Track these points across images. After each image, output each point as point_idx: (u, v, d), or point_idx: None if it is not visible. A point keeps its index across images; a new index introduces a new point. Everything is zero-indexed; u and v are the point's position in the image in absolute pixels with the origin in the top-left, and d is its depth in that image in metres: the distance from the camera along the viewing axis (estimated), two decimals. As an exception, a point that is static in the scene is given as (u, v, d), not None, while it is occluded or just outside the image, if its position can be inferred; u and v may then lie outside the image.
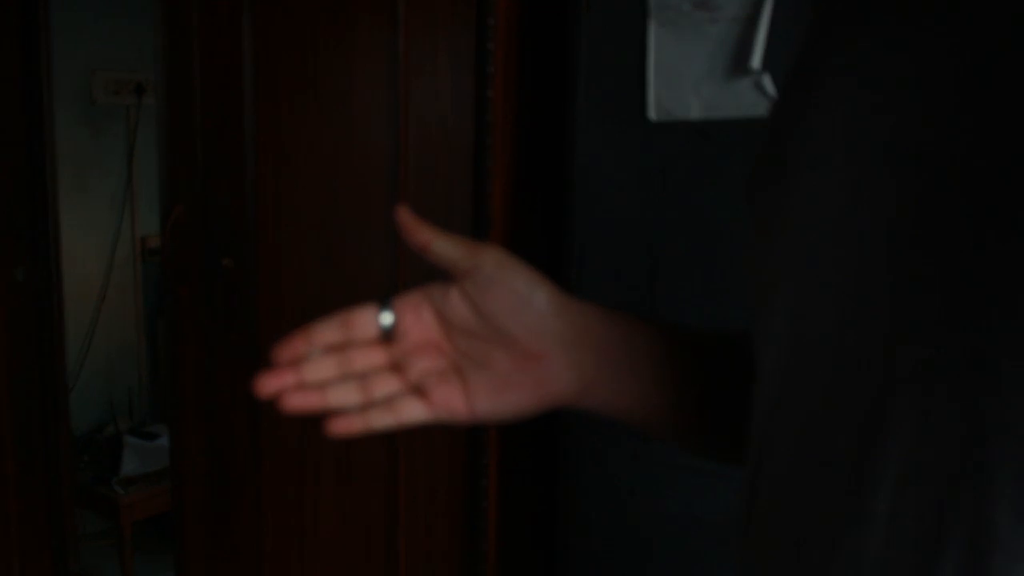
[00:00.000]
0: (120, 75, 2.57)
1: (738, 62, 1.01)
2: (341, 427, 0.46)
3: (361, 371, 0.47)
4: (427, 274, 0.48)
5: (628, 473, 1.10)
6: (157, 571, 2.30)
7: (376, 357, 0.47)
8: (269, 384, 0.45)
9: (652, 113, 1.06)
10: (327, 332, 0.47)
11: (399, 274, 1.27)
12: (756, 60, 0.99)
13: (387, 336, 0.48)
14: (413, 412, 0.47)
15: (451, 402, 0.47)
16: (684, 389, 0.49)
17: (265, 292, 1.41)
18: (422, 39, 1.24)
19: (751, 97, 1.00)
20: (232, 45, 1.40)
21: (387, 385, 0.47)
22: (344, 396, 0.46)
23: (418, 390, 0.47)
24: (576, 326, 0.47)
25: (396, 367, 0.48)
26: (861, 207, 0.31)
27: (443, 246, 0.46)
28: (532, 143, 1.22)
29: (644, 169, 1.07)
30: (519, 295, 0.46)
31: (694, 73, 1.03)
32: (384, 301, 0.48)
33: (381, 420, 0.46)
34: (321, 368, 0.46)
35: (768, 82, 0.99)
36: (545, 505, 1.21)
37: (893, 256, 0.29)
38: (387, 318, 0.47)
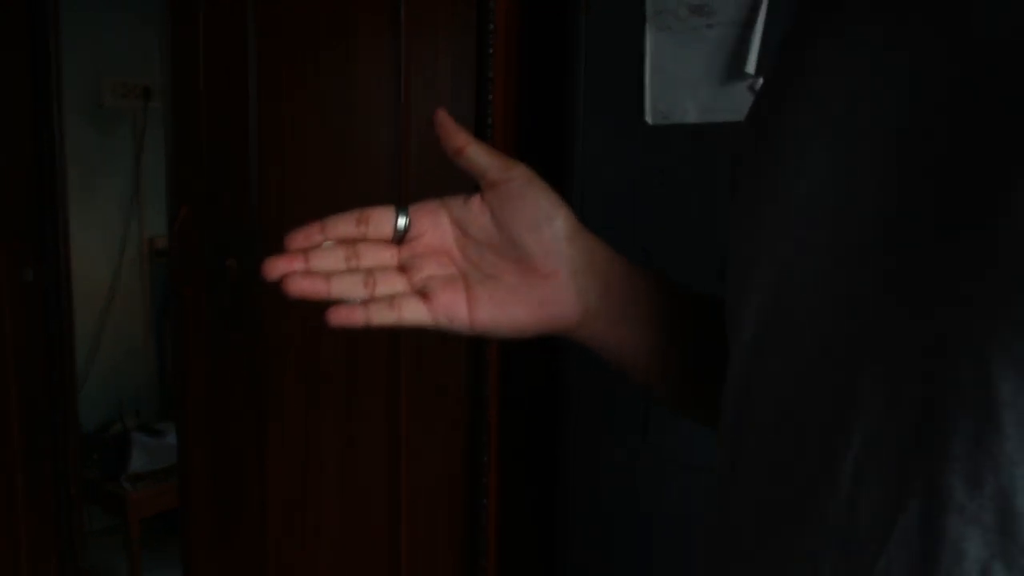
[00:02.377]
0: (128, 79, 2.59)
1: (734, 66, 1.02)
2: (341, 317, 0.46)
3: (369, 267, 0.47)
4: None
5: (628, 471, 1.11)
6: (164, 567, 2.32)
7: (386, 256, 0.48)
8: (277, 267, 0.46)
9: (649, 116, 1.07)
10: (341, 225, 0.47)
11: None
12: (751, 65, 1.01)
13: (400, 238, 0.48)
14: (415, 312, 0.47)
15: (453, 307, 0.47)
16: (680, 337, 0.50)
17: (269, 292, 1.43)
18: (423, 44, 1.25)
19: (746, 101, 1.01)
20: (237, 50, 1.42)
21: (393, 283, 0.47)
22: (348, 287, 0.46)
23: (422, 292, 0.47)
24: (587, 254, 0.48)
25: (404, 268, 0.48)
26: (839, 195, 0.32)
27: (477, 152, 0.47)
28: (532, 146, 1.24)
29: (642, 171, 1.09)
30: (542, 212, 0.47)
31: (691, 77, 1.05)
32: (401, 205, 0.48)
33: (382, 316, 0.46)
34: (329, 259, 0.47)
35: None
36: (545, 502, 1.22)
37: (864, 246, 0.31)
38: (402, 220, 0.48)
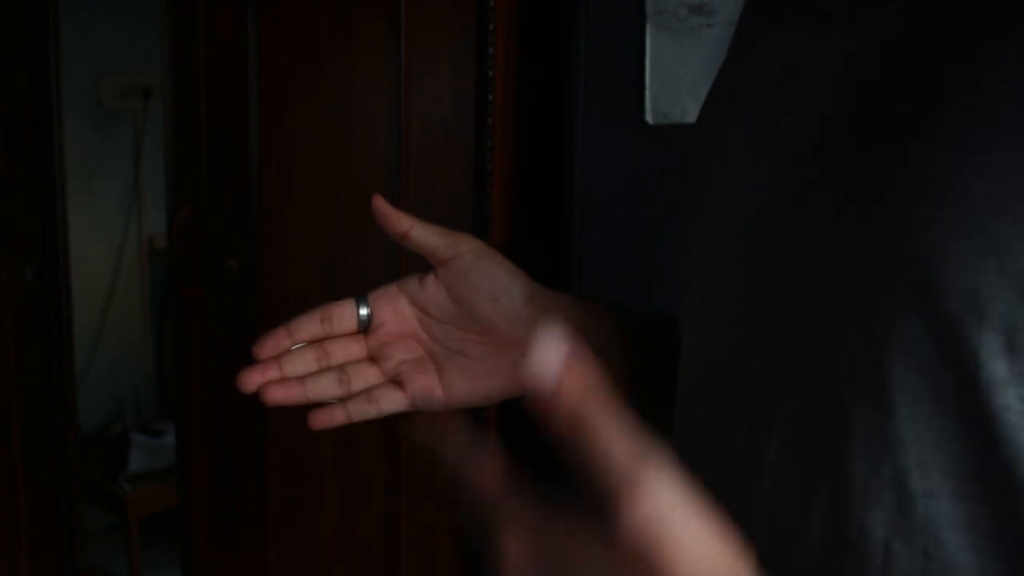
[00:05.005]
0: (127, 79, 2.59)
1: (733, 66, 1.03)
2: (322, 419, 0.47)
3: (340, 363, 0.48)
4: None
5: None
6: (163, 567, 2.32)
7: (355, 349, 0.49)
8: (252, 378, 0.47)
9: (649, 116, 1.08)
10: (307, 326, 0.48)
11: (401, 274, 1.29)
12: (751, 64, 1.01)
13: (364, 329, 0.49)
14: (392, 402, 0.48)
15: (427, 390, 0.48)
16: (653, 372, 0.50)
17: (269, 292, 1.43)
18: (423, 44, 1.25)
19: (746, 100, 1.02)
20: (237, 50, 1.42)
21: (365, 376, 0.48)
22: (324, 388, 0.47)
23: (395, 380, 0.48)
24: (549, 313, 0.48)
25: (374, 358, 0.49)
26: (752, 202, 0.33)
27: (422, 234, 0.48)
28: (532, 145, 1.24)
29: (642, 171, 1.09)
30: (497, 283, 0.48)
31: (690, 77, 1.05)
32: (360, 296, 0.50)
33: (362, 412, 0.48)
34: (301, 361, 0.48)
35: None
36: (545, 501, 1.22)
37: (772, 241, 0.32)
38: (363, 311, 0.49)
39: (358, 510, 1.40)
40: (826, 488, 0.28)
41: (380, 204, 0.48)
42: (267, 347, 0.48)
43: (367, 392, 0.48)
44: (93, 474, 2.36)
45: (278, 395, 0.46)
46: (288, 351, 0.48)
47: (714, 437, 0.35)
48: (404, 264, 1.29)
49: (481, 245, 0.48)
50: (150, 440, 2.46)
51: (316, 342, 0.48)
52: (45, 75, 1.81)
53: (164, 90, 1.60)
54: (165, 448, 2.36)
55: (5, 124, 1.83)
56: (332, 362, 0.48)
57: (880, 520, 0.27)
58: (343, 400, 0.47)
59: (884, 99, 0.28)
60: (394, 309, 0.49)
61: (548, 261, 1.17)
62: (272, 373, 0.47)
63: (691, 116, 1.05)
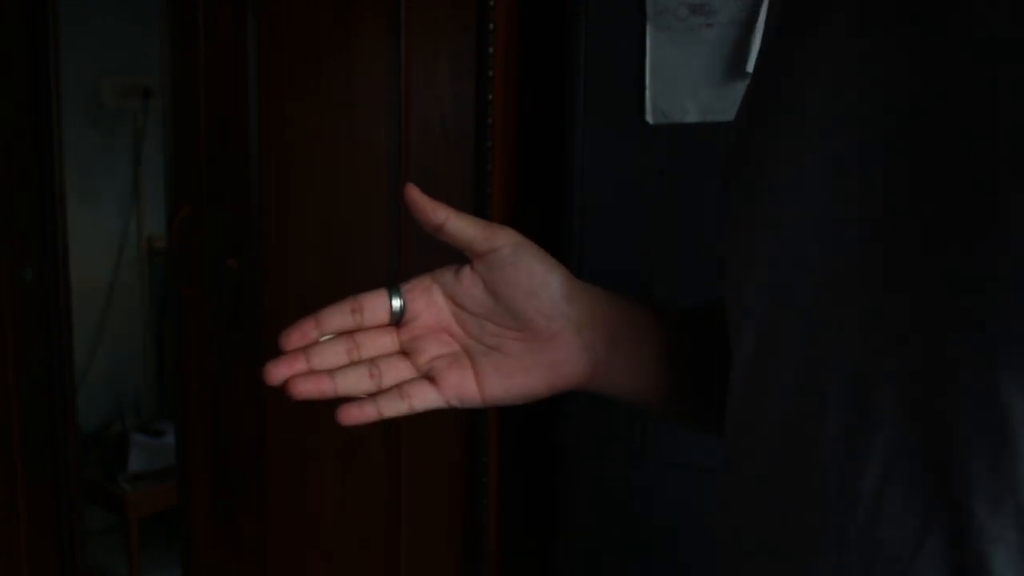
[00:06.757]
0: (127, 79, 2.59)
1: (734, 66, 1.03)
2: (352, 415, 0.44)
3: (371, 357, 0.46)
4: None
5: (627, 472, 1.11)
6: (163, 567, 2.32)
7: (386, 342, 0.46)
8: (278, 370, 0.44)
9: (650, 116, 1.07)
10: (336, 317, 0.46)
11: (402, 274, 1.29)
12: (751, 64, 1.01)
13: (396, 321, 0.47)
14: (425, 397, 0.46)
15: (462, 387, 0.46)
16: (688, 365, 0.49)
17: (269, 292, 1.43)
18: (423, 44, 1.25)
19: (746, 100, 1.01)
20: (237, 50, 1.42)
21: (398, 370, 0.46)
22: (354, 382, 0.45)
23: (429, 375, 0.46)
24: (587, 309, 0.47)
25: (406, 352, 0.46)
26: (837, 192, 0.31)
27: (459, 226, 0.45)
28: (532, 145, 1.24)
29: (642, 171, 1.09)
30: (536, 278, 0.45)
31: (691, 77, 1.05)
32: (393, 286, 0.47)
33: (393, 406, 0.45)
34: (330, 354, 0.45)
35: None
36: (545, 503, 1.22)
37: (858, 261, 0.30)
38: (396, 303, 0.46)
39: (358, 510, 1.40)
40: (941, 523, 0.27)
41: (414, 194, 0.44)
42: (294, 338, 0.45)
43: (399, 387, 0.45)
44: (93, 474, 2.36)
45: (306, 388, 0.44)
46: (316, 343, 0.45)
47: (779, 460, 0.33)
48: (405, 264, 1.28)
49: (520, 238, 0.46)
50: (150, 440, 2.46)
51: (346, 334, 0.46)
52: (45, 75, 1.81)
53: (164, 90, 1.60)
54: (165, 448, 2.36)
55: (5, 124, 1.83)
56: (363, 355, 0.46)
57: (1003, 560, 0.26)
58: (374, 395, 0.45)
59: (969, 114, 0.27)
60: (428, 301, 0.47)
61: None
62: (299, 366, 0.44)
63: (691, 116, 1.05)
